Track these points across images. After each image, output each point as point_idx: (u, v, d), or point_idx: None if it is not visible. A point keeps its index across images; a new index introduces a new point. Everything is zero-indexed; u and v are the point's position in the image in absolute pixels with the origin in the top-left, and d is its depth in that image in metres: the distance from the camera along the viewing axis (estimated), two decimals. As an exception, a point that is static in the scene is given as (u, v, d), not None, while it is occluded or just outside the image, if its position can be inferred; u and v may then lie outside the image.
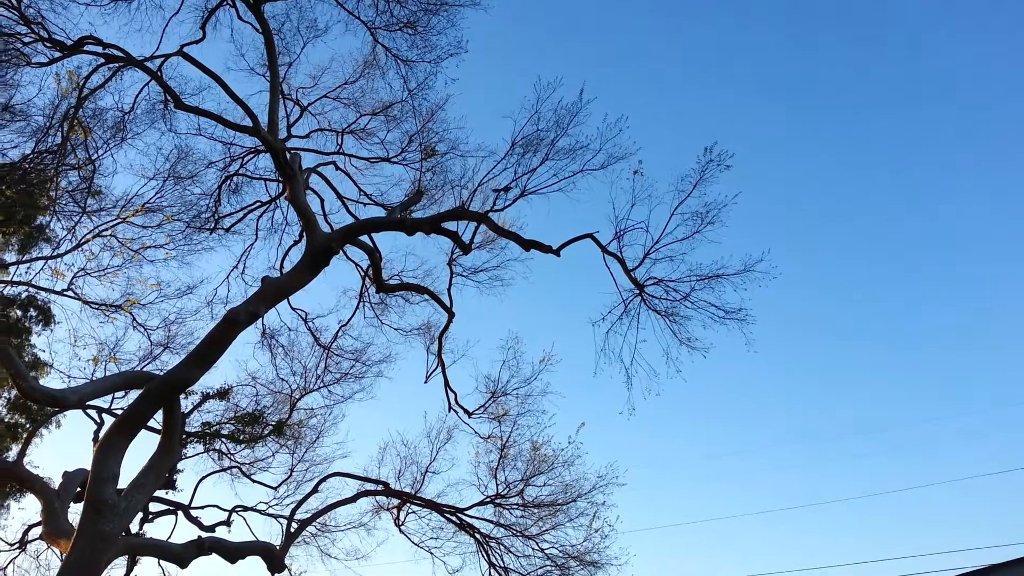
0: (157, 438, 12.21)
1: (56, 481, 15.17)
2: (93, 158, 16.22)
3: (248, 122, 13.97)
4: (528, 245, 13.99)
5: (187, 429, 17.85)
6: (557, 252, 13.87)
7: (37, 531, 17.87)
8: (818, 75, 57.30)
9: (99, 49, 14.14)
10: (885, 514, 51.39)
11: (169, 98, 14.50)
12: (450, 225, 14.30)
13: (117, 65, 14.70)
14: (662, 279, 14.20)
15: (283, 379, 20.09)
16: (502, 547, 18.52)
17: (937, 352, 56.85)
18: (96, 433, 17.32)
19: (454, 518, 18.73)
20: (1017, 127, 53.59)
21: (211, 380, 18.52)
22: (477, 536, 18.61)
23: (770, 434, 57.47)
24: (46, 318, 18.23)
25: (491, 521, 18.68)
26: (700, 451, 58.71)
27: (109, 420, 16.98)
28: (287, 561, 16.43)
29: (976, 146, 55.25)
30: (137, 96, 16.48)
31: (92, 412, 17.59)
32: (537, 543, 18.36)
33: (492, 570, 18.57)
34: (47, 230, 17.35)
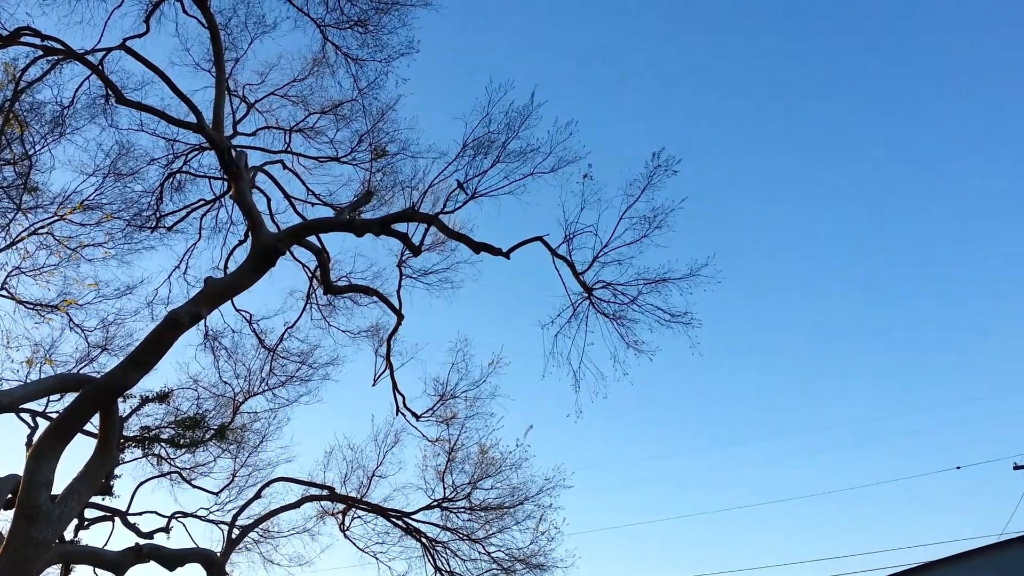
0: (93, 442, 11.85)
1: (-14, 487, 14.65)
2: (30, 153, 15.74)
3: (192, 118, 13.65)
4: (478, 247, 13.96)
5: (125, 433, 17.41)
6: (507, 255, 13.88)
7: (-35, 539, 17.23)
8: (765, 78, 58.50)
9: (37, 41, 13.67)
10: (829, 512, 52.64)
11: (110, 93, 14.14)
12: (400, 226, 14.18)
13: (56, 58, 14.26)
14: (610, 282, 14.31)
15: (226, 382, 19.74)
16: (448, 551, 18.49)
17: (883, 351, 58.46)
18: (29, 437, 16.81)
19: (400, 522, 18.62)
20: (957, 131, 55.41)
21: (151, 383, 18.16)
22: (423, 540, 18.53)
23: (715, 436, 58.41)
24: (-23, 318, 17.61)
25: (438, 525, 18.65)
26: (645, 453, 59.45)
27: (43, 424, 16.49)
28: (228, 568, 16.14)
29: (923, 148, 56.99)
30: (77, 90, 16.01)
31: (25, 415, 17.07)
32: (484, 547, 18.37)
33: (438, 574, 18.50)
34: (-22, 227, 16.77)
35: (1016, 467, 25.82)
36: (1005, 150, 55.04)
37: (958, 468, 29.98)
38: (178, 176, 18.26)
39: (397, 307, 16.83)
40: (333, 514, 19.43)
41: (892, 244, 59.59)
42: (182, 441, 18.38)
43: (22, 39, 13.57)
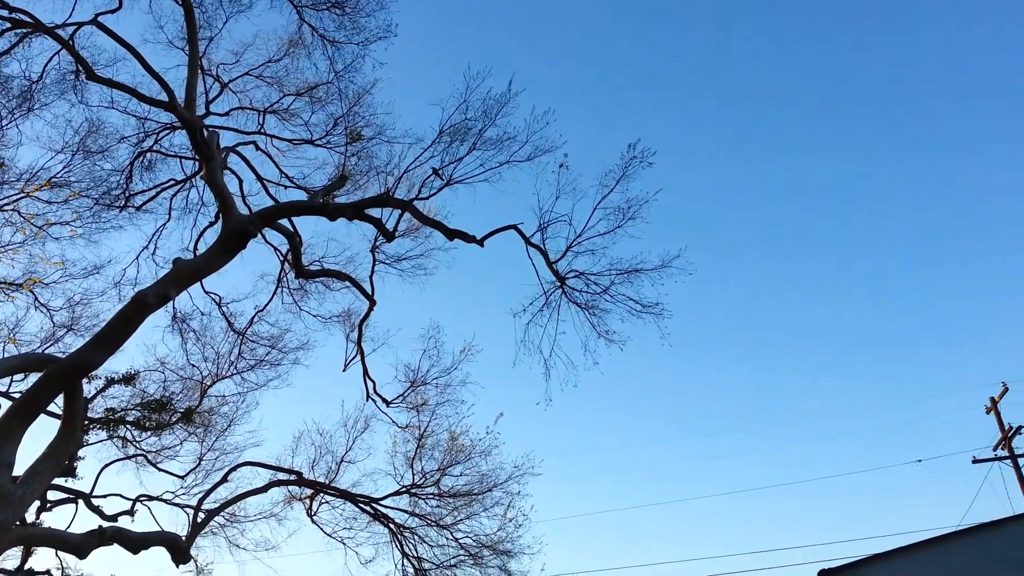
0: (57, 423, 11.68)
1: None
2: (-5, 128, 15.42)
3: (164, 97, 13.46)
4: (452, 234, 13.94)
5: (90, 415, 17.18)
6: (481, 242, 13.88)
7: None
8: (740, 77, 58.80)
9: (4, 13, 13.41)
10: (795, 503, 53.42)
11: (81, 68, 13.88)
12: (374, 212, 14.12)
13: (25, 31, 13.99)
14: (583, 272, 14.38)
15: (194, 365, 19.55)
16: (416, 537, 18.47)
17: (849, 348, 59.24)
18: (-9, 417, 16.52)
19: (368, 508, 18.57)
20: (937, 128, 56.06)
21: (117, 364, 18.01)
22: (391, 526, 18.50)
23: (683, 426, 58.97)
24: (-62, 295, 17.26)
25: (406, 511, 18.62)
26: (614, 441, 59.85)
27: (6, 404, 16.22)
28: (193, 552, 16.00)
29: (893, 146, 57.62)
30: (46, 65, 15.75)
31: (-13, 395, 16.78)
32: (452, 533, 18.38)
33: (405, 560, 18.49)
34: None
35: (975, 460, 26.36)
36: (1004, 148, 55.85)
37: (919, 461, 30.50)
38: (148, 155, 18.02)
39: (369, 292, 16.76)
40: (301, 499, 19.33)
41: (860, 241, 60.37)
42: (148, 424, 18.16)
43: (-11, 11, 13.28)
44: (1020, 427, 25.93)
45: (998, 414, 26.63)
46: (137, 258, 18.58)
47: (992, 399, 26.91)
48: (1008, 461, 25.84)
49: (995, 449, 26.35)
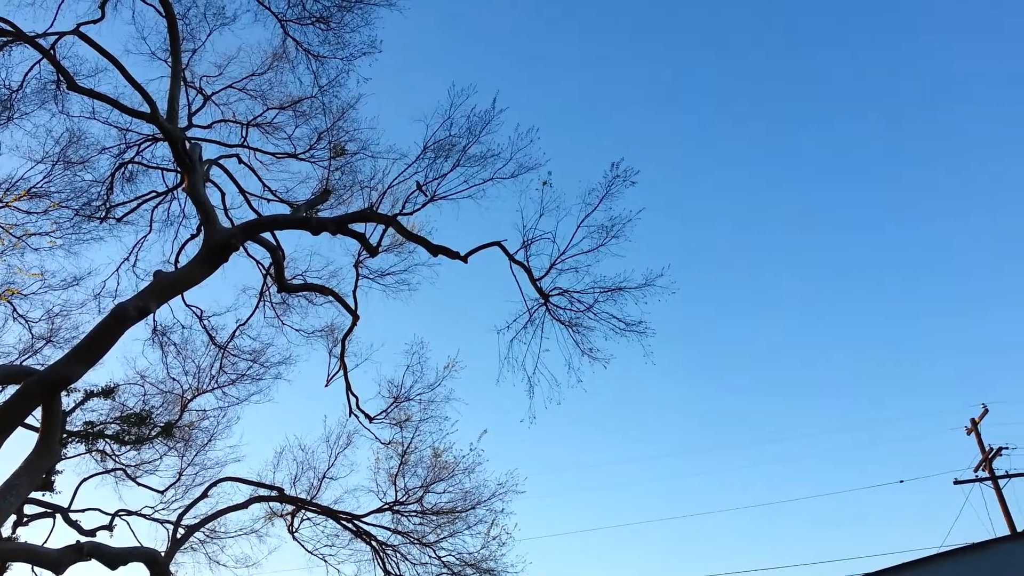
0: (35, 436, 11.53)
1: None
2: (-26, 138, 15.30)
3: (146, 108, 13.40)
4: (436, 250, 13.93)
5: (68, 428, 17.00)
6: (465, 259, 13.87)
7: None
8: (725, 94, 59.30)
9: (-15, 22, 13.31)
10: (777, 522, 53.45)
11: (62, 78, 13.80)
12: (357, 227, 14.08)
13: (5, 40, 13.89)
14: (567, 290, 14.40)
15: (174, 379, 19.39)
16: (399, 555, 18.34)
17: (831, 367, 59.56)
18: (-34, 431, 16.28)
19: (351, 525, 18.43)
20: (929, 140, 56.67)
21: (96, 378, 17.80)
22: (373, 544, 18.36)
23: (666, 444, 58.99)
24: (-86, 306, 17.05)
25: (389, 528, 18.50)
26: (597, 459, 59.74)
27: (-19, 417, 15.99)
28: (173, 568, 15.81)
29: (881, 160, 58.20)
30: (27, 74, 15.66)
31: (-37, 408, 16.53)
32: (434, 551, 18.26)
33: (387, 578, 18.34)
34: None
35: (957, 482, 26.40)
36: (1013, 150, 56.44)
37: (901, 482, 30.66)
38: (130, 166, 17.92)
39: (353, 307, 16.69)
40: (282, 515, 19.17)
41: (843, 260, 60.85)
42: (127, 437, 18.00)
43: (-31, 20, 13.19)
44: (1001, 448, 25.99)
45: (979, 435, 26.68)
46: (117, 270, 18.44)
47: (972, 420, 26.99)
48: (989, 482, 25.90)
49: (976, 470, 26.38)
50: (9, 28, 13.26)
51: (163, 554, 15.12)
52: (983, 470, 26.24)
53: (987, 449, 26.30)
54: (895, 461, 51.10)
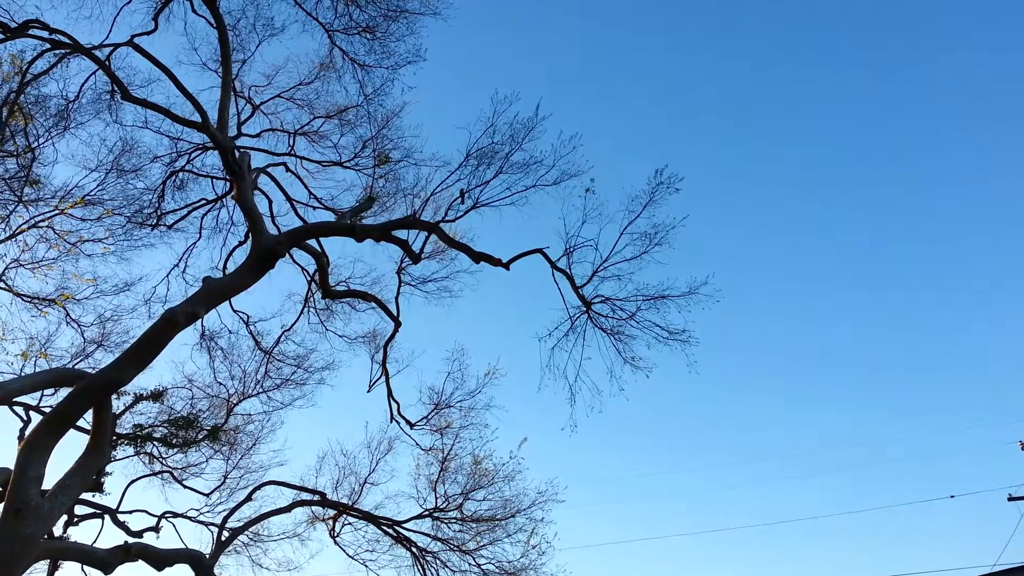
0: (86, 438, 11.77)
1: (-24, 480, 14.53)
2: (33, 146, 15.71)
3: (197, 117, 13.64)
4: (478, 257, 13.94)
5: (118, 431, 17.34)
6: (507, 266, 13.84)
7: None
8: (771, 102, 58.65)
9: (45, 34, 13.66)
10: (830, 535, 52.42)
11: (116, 89, 14.10)
12: (400, 233, 14.15)
13: (63, 52, 14.24)
14: (609, 297, 14.28)
15: (221, 383, 19.68)
16: (438, 561, 18.35)
17: (881, 377, 58.36)
18: (22, 431, 16.76)
19: (391, 531, 18.50)
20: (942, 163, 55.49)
21: (145, 381, 18.11)
22: (413, 550, 18.40)
23: (712, 454, 58.25)
24: (-26, 309, 17.58)
25: (428, 535, 18.52)
26: (639, 469, 59.20)
27: (36, 418, 16.41)
28: (217, 570, 16.00)
29: (917, 173, 57.08)
30: (83, 85, 16.03)
31: (19, 409, 17.02)
32: (474, 558, 18.23)
33: (427, 584, 18.36)
34: (-21, 218, 16.74)
35: (1011, 498, 25.65)
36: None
37: (952, 497, 29.82)
38: (180, 175, 18.27)
39: (395, 314, 16.78)
40: (324, 520, 19.33)
41: (892, 267, 59.63)
42: (174, 440, 18.29)
43: (30, 31, 13.57)
44: (1055, 462, 25.21)
45: (1033, 450, 25.94)
46: (167, 276, 18.76)
47: (1026, 434, 26.26)
48: (1044, 499, 25.12)
49: (1031, 486, 25.59)
50: (68, 41, 13.63)
51: (208, 556, 15.33)
52: (1038, 487, 25.45)
53: (1042, 466, 25.54)
54: (946, 476, 49.82)
